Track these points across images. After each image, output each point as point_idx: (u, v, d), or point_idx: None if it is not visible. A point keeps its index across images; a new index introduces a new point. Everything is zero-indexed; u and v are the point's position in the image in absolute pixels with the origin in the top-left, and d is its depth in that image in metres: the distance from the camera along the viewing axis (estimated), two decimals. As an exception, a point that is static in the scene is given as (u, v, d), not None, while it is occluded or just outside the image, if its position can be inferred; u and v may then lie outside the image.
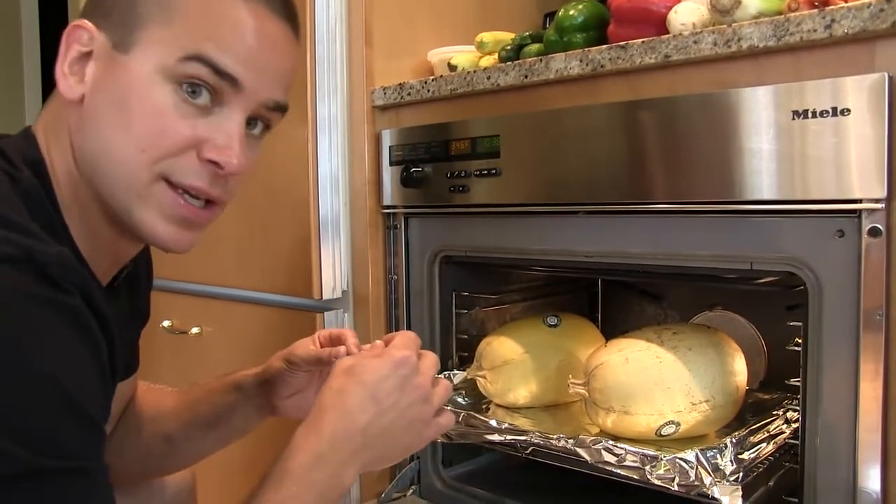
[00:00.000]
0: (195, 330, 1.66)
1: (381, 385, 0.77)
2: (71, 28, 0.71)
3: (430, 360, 0.83)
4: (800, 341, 0.96)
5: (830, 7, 0.87)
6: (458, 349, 1.38)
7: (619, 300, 1.63)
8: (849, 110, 0.85)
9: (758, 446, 1.00)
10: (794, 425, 1.04)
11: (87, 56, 0.71)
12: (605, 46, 1.06)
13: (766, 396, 1.24)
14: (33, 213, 0.65)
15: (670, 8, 1.06)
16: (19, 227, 0.61)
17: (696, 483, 0.91)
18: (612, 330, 1.46)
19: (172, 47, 0.69)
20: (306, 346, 0.95)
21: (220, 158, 0.72)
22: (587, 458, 1.00)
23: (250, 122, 0.76)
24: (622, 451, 0.98)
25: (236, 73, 0.71)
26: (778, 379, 1.24)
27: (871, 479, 0.88)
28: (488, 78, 1.20)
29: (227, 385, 0.98)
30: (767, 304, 1.35)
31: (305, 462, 0.73)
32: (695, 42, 0.97)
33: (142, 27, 0.70)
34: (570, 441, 1.02)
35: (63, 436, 0.57)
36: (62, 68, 0.71)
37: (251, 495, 0.72)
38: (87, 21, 0.71)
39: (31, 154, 0.71)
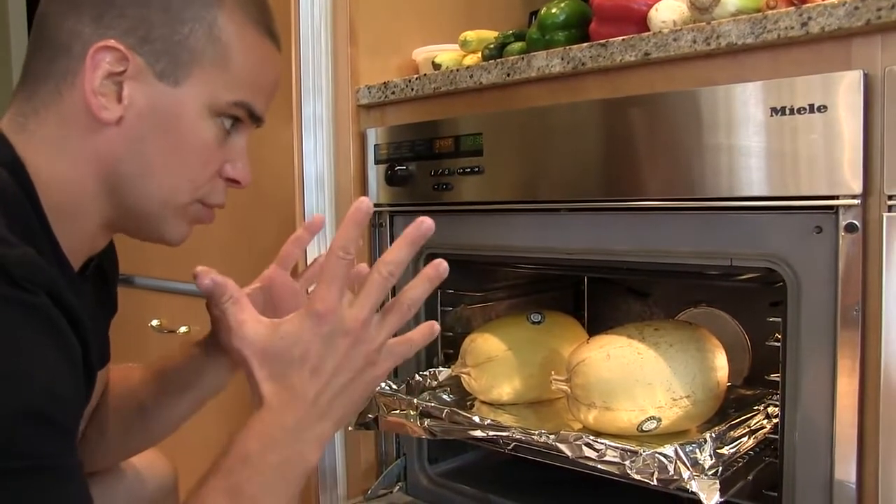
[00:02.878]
0: (183, 329, 1.66)
1: (310, 352, 0.70)
2: (100, 48, 0.70)
3: (365, 293, 0.71)
4: (780, 337, 0.96)
5: (807, 5, 0.88)
6: (443, 346, 1.39)
7: (604, 297, 1.63)
8: (825, 107, 0.86)
9: (738, 441, 1.00)
10: (775, 420, 1.05)
11: (115, 76, 0.71)
12: (585, 44, 1.07)
13: (749, 392, 1.25)
14: (5, 211, 0.65)
15: (651, 6, 1.07)
16: None
17: (674, 477, 0.91)
18: (598, 327, 1.46)
19: (225, 90, 0.75)
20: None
21: (241, 177, 0.80)
22: (568, 453, 1.01)
23: None
24: (602, 447, 0.98)
25: (263, 113, 0.80)
26: (762, 375, 1.25)
27: (847, 473, 0.88)
28: (471, 76, 1.21)
29: (191, 349, 0.97)
30: (751, 301, 1.36)
31: (255, 448, 0.69)
32: (674, 40, 0.98)
33: (195, 65, 0.74)
34: (552, 437, 1.02)
35: (27, 435, 0.57)
36: (91, 87, 0.71)
37: (196, 486, 0.69)
38: (116, 42, 0.71)
39: (3, 153, 0.70)
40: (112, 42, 0.71)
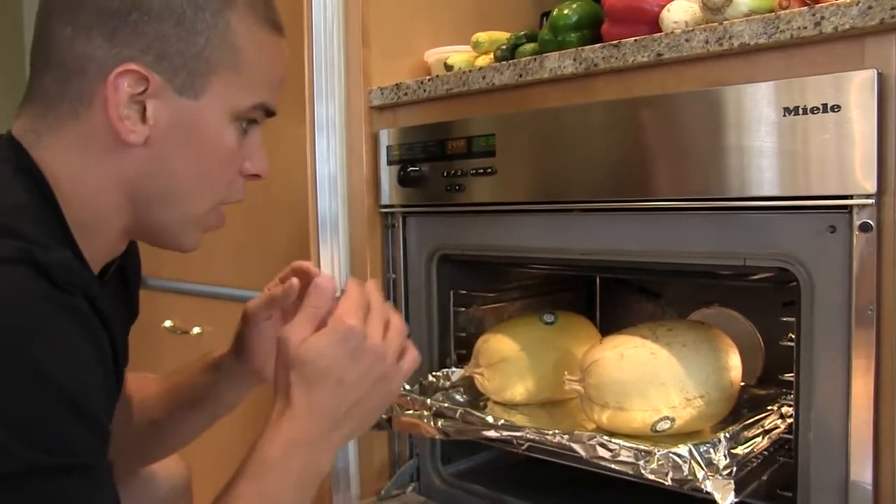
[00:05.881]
0: (196, 330, 1.67)
1: (336, 364, 0.76)
2: (120, 72, 0.70)
3: (374, 318, 0.80)
4: (794, 337, 0.96)
5: (820, 5, 0.88)
6: (456, 347, 1.39)
7: (617, 298, 1.63)
8: (839, 107, 0.86)
9: (752, 441, 1.00)
10: (789, 420, 1.05)
11: (137, 97, 0.71)
12: (598, 45, 1.07)
13: (763, 392, 1.24)
14: (34, 219, 0.66)
15: (663, 6, 1.07)
16: (20, 233, 0.62)
17: (689, 477, 0.91)
18: (610, 327, 1.46)
19: (243, 94, 0.76)
20: (256, 298, 0.97)
21: (260, 170, 0.82)
22: (582, 453, 1.01)
23: None
24: (616, 447, 0.98)
25: (276, 107, 0.80)
26: (775, 374, 1.24)
27: (863, 473, 0.88)
28: (483, 77, 1.21)
29: (207, 365, 0.99)
30: (765, 301, 1.35)
31: (279, 453, 0.74)
32: (686, 40, 0.98)
33: (213, 74, 0.74)
34: (566, 437, 1.03)
35: (65, 434, 0.59)
36: (117, 112, 0.70)
37: (225, 489, 0.72)
38: (133, 64, 0.70)
39: (23, 163, 0.71)
40: (131, 66, 0.70)
